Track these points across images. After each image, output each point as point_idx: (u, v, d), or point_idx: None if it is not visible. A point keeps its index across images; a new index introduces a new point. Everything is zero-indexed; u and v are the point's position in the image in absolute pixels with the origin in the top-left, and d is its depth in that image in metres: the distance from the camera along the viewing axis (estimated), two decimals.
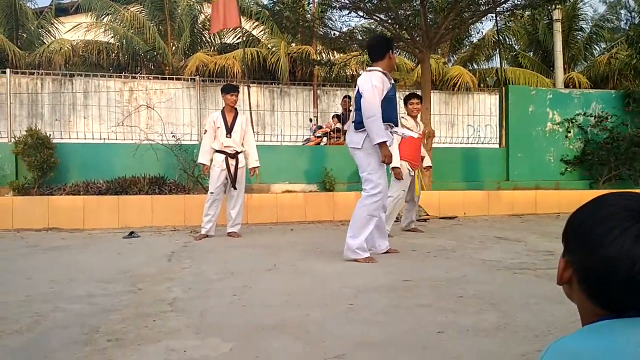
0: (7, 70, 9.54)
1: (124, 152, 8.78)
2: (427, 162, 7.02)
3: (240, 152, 6.49)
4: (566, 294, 0.99)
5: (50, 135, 8.56)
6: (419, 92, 7.54)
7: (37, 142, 8.12)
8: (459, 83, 15.60)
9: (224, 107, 6.51)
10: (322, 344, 2.51)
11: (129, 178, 8.26)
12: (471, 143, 11.46)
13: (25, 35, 16.79)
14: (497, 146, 10.90)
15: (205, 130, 6.56)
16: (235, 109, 6.55)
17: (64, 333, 2.70)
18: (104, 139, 9.64)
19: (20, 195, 7.77)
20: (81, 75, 12.42)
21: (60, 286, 3.79)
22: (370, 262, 4.59)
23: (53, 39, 16.65)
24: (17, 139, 8.31)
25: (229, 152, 6.39)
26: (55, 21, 17.22)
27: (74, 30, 15.86)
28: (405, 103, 6.63)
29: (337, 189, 8.92)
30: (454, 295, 3.43)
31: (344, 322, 2.87)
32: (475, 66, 18.91)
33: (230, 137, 6.39)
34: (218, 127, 6.40)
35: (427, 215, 8.48)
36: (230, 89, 6.48)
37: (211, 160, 6.47)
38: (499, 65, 17.17)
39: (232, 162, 6.40)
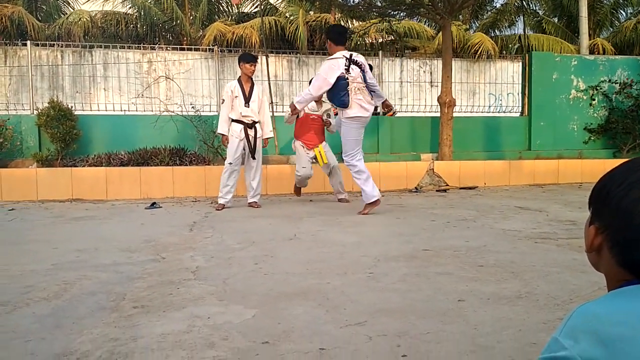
0: (28, 43, 9.60)
1: (145, 124, 8.84)
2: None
3: (258, 121, 6.48)
4: (592, 262, 0.96)
5: (71, 107, 8.64)
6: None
7: (59, 114, 8.21)
8: (480, 50, 15.29)
9: (240, 77, 6.47)
10: (344, 310, 2.54)
11: (149, 149, 8.34)
12: (493, 112, 11.29)
13: (44, 7, 16.83)
14: (519, 115, 10.72)
15: (223, 100, 6.53)
16: (251, 78, 6.51)
17: (91, 300, 2.77)
18: (125, 110, 9.71)
19: (44, 166, 7.90)
20: (100, 46, 12.45)
21: (86, 255, 3.88)
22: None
23: (72, 10, 16.68)
24: (39, 111, 8.40)
25: (247, 122, 6.38)
26: None
27: (92, 1, 15.86)
28: None
29: None
30: (474, 264, 3.43)
31: (364, 289, 2.89)
32: (498, 33, 18.50)
33: (248, 107, 6.37)
34: (236, 97, 6.37)
35: (447, 185, 8.44)
36: (249, 59, 6.43)
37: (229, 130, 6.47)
38: (522, 32, 16.77)
39: (250, 132, 6.40)
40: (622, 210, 0.85)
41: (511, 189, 8.43)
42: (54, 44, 12.33)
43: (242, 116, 6.36)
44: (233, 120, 6.42)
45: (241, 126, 6.37)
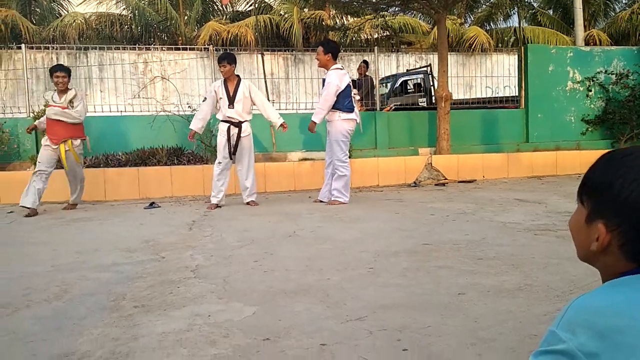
0: (23, 46, 9.56)
1: (142, 124, 8.82)
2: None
3: (244, 121, 6.37)
4: (586, 258, 0.94)
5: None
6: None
7: None
8: (475, 44, 15.30)
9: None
10: (344, 306, 2.54)
11: (147, 150, 8.32)
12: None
13: (38, 10, 16.79)
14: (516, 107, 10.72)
15: (205, 98, 6.42)
16: (238, 76, 6.41)
17: (91, 300, 2.77)
18: (121, 111, 9.68)
19: None
20: (95, 48, 12.43)
21: (85, 256, 3.88)
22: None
23: (66, 12, 16.63)
24: (35, 114, 8.38)
25: (233, 121, 6.31)
26: None
27: (86, 3, 15.82)
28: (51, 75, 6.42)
29: (353, 155, 8.87)
30: (474, 257, 3.43)
31: (364, 285, 2.89)
32: (493, 26, 18.50)
33: (232, 108, 6.25)
34: (220, 98, 6.27)
35: (446, 179, 8.44)
36: (219, 60, 6.32)
37: (201, 128, 6.44)
38: (517, 25, 16.76)
39: (234, 130, 6.29)
40: None
41: (510, 181, 8.43)
42: (48, 47, 12.32)
43: (228, 117, 6.29)
44: (221, 120, 6.36)
45: (227, 125, 6.29)
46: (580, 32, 13.43)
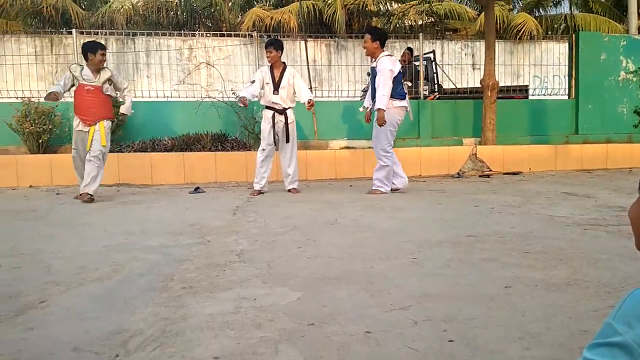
0: (73, 31, 9.84)
1: (187, 110, 8.98)
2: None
3: (289, 108, 6.43)
4: None
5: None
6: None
7: None
8: (523, 31, 14.87)
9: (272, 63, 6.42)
10: (388, 295, 2.54)
11: (192, 135, 8.48)
12: (538, 94, 10.97)
13: None
14: (565, 97, 10.40)
15: (253, 81, 6.46)
16: (284, 63, 6.46)
17: (142, 281, 2.86)
18: (167, 97, 9.87)
19: None
20: (143, 34, 12.67)
21: (134, 237, 4.00)
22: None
23: None
24: None
25: (277, 108, 6.36)
26: None
27: None
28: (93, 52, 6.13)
29: (396, 144, 8.80)
30: (520, 251, 3.37)
31: (408, 274, 2.89)
32: (542, 12, 17.92)
33: (277, 94, 6.31)
34: (267, 83, 6.33)
35: (490, 170, 8.28)
36: (266, 45, 6.38)
37: (249, 99, 6.38)
38: (568, 11, 16.18)
39: (280, 118, 6.36)
40: None
41: (557, 174, 8.22)
42: (97, 32, 12.62)
43: (272, 103, 6.35)
44: (265, 107, 6.43)
45: (272, 112, 6.36)
46: (633, 20, 12.89)
